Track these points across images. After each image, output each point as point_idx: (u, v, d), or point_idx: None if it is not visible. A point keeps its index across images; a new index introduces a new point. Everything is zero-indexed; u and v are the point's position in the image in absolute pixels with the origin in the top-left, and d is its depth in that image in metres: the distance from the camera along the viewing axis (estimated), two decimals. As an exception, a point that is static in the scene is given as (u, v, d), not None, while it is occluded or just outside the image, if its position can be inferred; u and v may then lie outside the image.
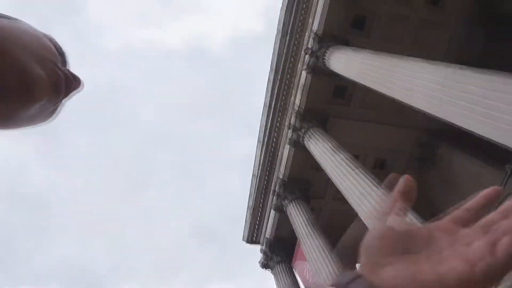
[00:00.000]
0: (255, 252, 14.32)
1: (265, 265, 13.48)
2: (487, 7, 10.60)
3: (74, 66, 0.69)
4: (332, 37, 10.96)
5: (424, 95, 6.78)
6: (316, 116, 11.93)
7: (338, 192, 9.74)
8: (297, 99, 12.20)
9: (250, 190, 14.43)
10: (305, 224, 10.71)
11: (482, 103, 5.41)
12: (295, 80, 12.23)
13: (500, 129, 5.17)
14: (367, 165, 11.25)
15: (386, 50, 9.21)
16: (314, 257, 9.49)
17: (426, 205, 11.78)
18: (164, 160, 61.18)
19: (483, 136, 5.76)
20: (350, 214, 9.34)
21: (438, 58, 10.28)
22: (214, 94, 63.74)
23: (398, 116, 11.72)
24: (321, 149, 10.82)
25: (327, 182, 10.73)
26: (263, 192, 13.85)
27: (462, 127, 6.14)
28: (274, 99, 13.12)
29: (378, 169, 12.53)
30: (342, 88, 11.77)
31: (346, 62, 10.12)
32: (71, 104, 0.71)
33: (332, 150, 10.36)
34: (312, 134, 11.42)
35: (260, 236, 14.15)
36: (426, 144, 12.05)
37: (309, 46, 11.27)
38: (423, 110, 7.09)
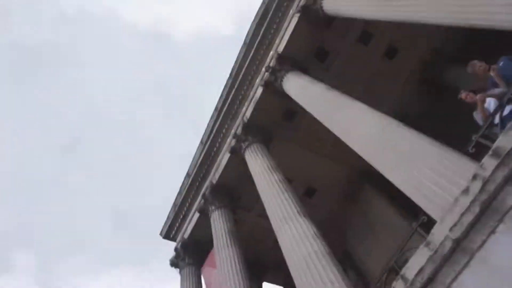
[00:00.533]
0: (167, 248, 14.12)
1: (175, 263, 13.25)
2: (432, 75, 11.65)
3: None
4: (294, 61, 11.33)
5: (359, 139, 7.20)
6: (262, 132, 12.13)
7: (264, 209, 9.91)
8: (248, 111, 12.34)
9: (181, 188, 14.22)
10: (225, 233, 10.77)
11: (405, 159, 5.85)
12: (250, 93, 12.39)
13: (415, 187, 5.60)
14: (298, 191, 11.60)
15: (340, 87, 9.67)
16: (224, 267, 9.55)
17: (342, 240, 12.44)
18: (102, 139, 58.03)
19: (403, 192, 6.17)
20: (270, 234, 9.55)
21: (384, 108, 11.03)
22: (167, 85, 61.94)
23: (337, 152, 12.27)
24: (258, 165, 10.98)
25: (258, 197, 10.86)
26: (193, 192, 13.72)
27: (386, 177, 6.57)
28: (227, 105, 13.14)
29: (307, 197, 13.00)
30: (293, 113, 12.12)
31: (301, 89, 10.46)
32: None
33: (269, 169, 10.56)
34: (254, 148, 11.57)
35: (178, 235, 13.94)
36: (355, 182, 12.74)
37: (271, 64, 11.52)
38: (357, 153, 7.51)
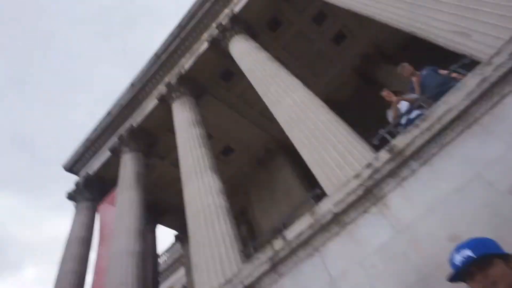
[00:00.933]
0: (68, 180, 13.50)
1: (72, 196, 12.67)
2: (368, 67, 12.27)
3: None
4: (246, 24, 11.13)
5: (284, 111, 7.38)
6: (195, 86, 11.87)
7: (177, 159, 9.82)
8: (187, 63, 11.94)
9: (97, 125, 13.50)
10: (132, 175, 10.49)
11: (317, 137, 6.14)
12: (195, 46, 11.97)
13: (319, 164, 5.91)
14: (216, 147, 11.62)
15: (282, 58, 9.68)
16: (123, 206, 9.34)
17: (244, 198, 12.82)
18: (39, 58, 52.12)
19: (309, 166, 6.45)
20: (177, 183, 9.52)
21: (317, 87, 11.40)
22: (113, 14, 57.23)
23: (263, 120, 12.51)
24: (184, 117, 10.76)
25: (174, 148, 10.70)
26: (110, 131, 13.10)
27: (300, 153, 6.83)
28: (168, 53, 12.55)
29: (223, 155, 13.09)
30: (231, 74, 12.00)
31: (245, 53, 10.34)
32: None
33: (193, 123, 10.41)
34: (183, 100, 11.29)
35: (82, 169, 13.30)
36: (271, 150, 13.12)
37: (223, 22, 11.19)
38: (281, 124, 7.70)
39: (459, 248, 1.65)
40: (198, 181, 8.00)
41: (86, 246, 10.49)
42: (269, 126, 10.54)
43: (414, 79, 6.56)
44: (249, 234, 10.82)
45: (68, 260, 9.97)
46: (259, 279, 4.49)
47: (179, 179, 9.10)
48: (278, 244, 4.71)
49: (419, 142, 4.54)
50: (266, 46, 10.47)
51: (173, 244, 19.01)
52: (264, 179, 12.07)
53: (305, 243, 4.47)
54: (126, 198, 9.42)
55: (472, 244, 1.62)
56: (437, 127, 4.45)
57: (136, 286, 7.11)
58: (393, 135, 5.87)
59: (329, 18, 11.42)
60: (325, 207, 4.76)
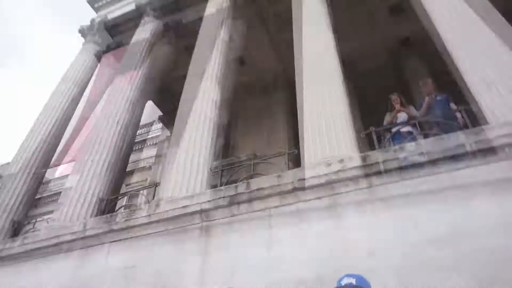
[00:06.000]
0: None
1: (84, 32, 12.06)
2: (402, 52, 11.91)
3: None
4: None
5: (308, 62, 7.53)
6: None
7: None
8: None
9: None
10: (146, 45, 10.54)
11: (327, 107, 6.56)
12: None
13: (310, 136, 6.44)
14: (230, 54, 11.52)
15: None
16: (126, 75, 9.50)
17: (234, 116, 13.07)
18: None
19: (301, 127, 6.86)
20: (184, 69, 9.65)
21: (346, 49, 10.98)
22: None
23: (286, 49, 12.09)
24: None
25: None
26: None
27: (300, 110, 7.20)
28: None
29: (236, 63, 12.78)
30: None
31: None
32: None
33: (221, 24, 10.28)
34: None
35: (102, 9, 12.94)
36: (278, 82, 12.84)
37: None
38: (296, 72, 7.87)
39: (348, 275, 2.43)
40: (201, 86, 8.34)
41: (80, 89, 10.63)
42: (286, 58, 10.23)
43: (427, 98, 6.85)
44: (224, 149, 11.28)
45: (57, 95, 10.17)
46: (215, 209, 5.46)
47: (186, 66, 9.33)
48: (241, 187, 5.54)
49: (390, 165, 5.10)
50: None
51: (153, 122, 19.28)
52: (260, 105, 12.05)
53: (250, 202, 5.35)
54: (132, 68, 9.61)
55: (358, 278, 2.42)
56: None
57: (112, 152, 7.86)
58: (380, 137, 6.36)
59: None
60: (292, 177, 5.47)
